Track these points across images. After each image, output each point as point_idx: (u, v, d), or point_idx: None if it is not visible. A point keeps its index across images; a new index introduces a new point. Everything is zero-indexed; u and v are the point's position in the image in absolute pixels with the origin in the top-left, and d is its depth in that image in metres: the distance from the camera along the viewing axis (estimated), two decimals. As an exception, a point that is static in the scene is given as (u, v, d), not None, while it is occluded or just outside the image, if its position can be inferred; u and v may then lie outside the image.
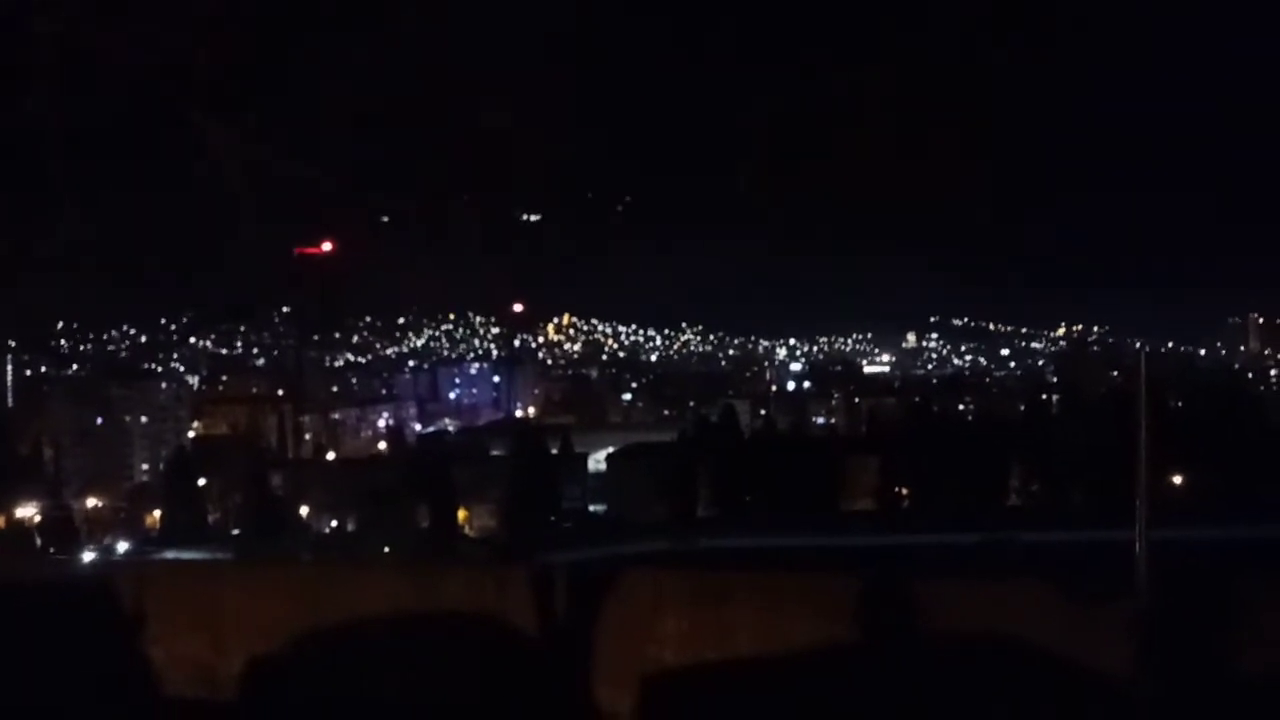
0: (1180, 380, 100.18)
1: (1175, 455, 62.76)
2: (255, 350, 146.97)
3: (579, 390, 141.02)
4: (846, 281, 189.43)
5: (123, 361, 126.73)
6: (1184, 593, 5.26)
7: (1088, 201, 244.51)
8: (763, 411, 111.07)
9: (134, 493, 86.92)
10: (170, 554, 62.41)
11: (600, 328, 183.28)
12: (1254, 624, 5.03)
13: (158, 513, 79.06)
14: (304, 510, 76.29)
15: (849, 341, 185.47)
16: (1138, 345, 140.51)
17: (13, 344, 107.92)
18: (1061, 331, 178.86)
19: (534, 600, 5.86)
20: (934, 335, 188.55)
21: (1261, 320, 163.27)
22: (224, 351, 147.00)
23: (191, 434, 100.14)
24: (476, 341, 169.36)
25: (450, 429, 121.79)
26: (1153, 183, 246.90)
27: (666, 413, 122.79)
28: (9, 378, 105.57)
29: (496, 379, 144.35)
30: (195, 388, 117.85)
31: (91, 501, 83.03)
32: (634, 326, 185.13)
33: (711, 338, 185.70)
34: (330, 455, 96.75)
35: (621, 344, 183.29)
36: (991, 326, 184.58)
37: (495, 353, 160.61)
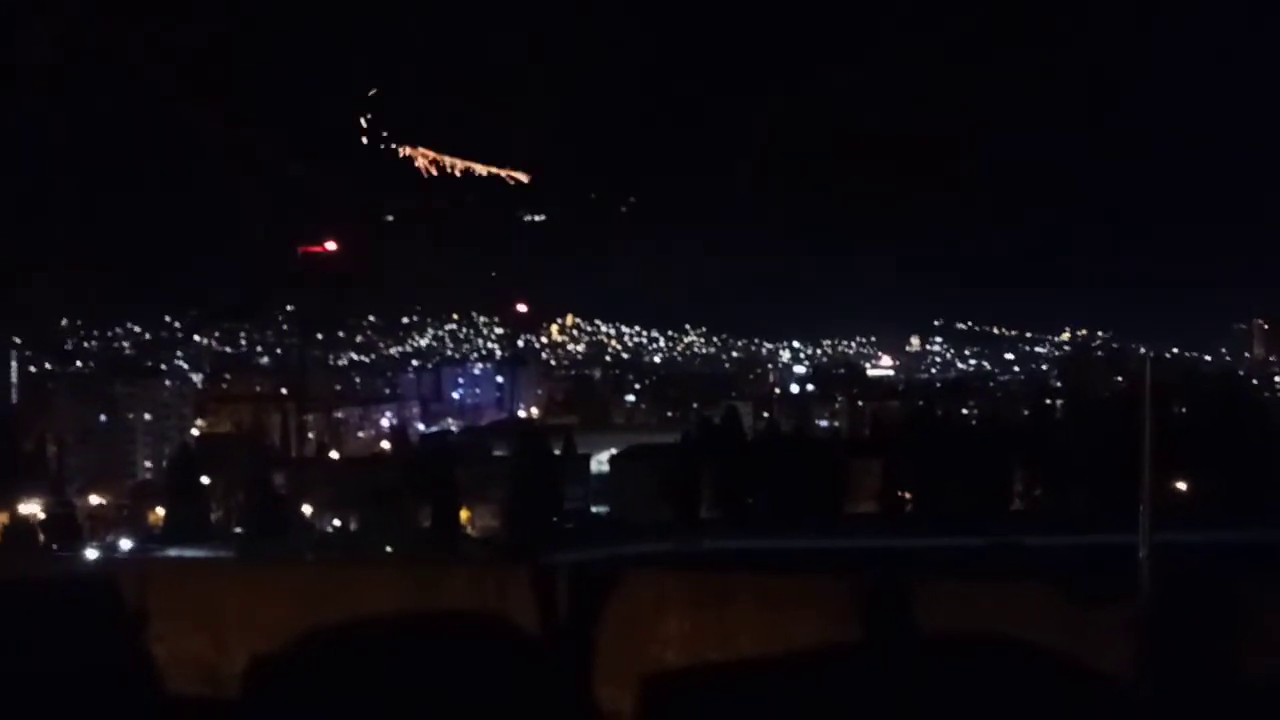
0: (1184, 385, 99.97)
1: (1179, 460, 62.71)
2: (259, 349, 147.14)
3: (582, 391, 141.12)
4: (850, 284, 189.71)
5: (127, 359, 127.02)
6: (1187, 596, 5.26)
7: (1092, 205, 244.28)
8: (766, 414, 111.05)
9: (137, 490, 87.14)
10: (173, 552, 62.57)
11: (604, 328, 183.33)
12: (1257, 628, 5.03)
13: (160, 510, 79.22)
14: (306, 509, 76.41)
15: (853, 344, 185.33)
16: (1142, 350, 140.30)
17: (17, 341, 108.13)
18: (1066, 335, 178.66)
19: (536, 600, 5.86)
20: (938, 338, 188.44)
21: (1266, 326, 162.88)
22: (228, 350, 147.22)
23: (195, 432, 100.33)
24: (480, 341, 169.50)
25: (453, 429, 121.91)
26: (1158, 186, 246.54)
27: (670, 414, 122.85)
28: (13, 375, 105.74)
29: (500, 379, 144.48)
30: (199, 386, 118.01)
31: (95, 499, 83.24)
32: (637, 327, 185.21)
33: (715, 339, 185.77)
34: (333, 454, 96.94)
35: (625, 345, 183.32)
36: (995, 330, 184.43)
37: (499, 353, 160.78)
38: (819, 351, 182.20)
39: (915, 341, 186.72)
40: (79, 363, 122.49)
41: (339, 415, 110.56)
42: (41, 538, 69.82)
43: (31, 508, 73.93)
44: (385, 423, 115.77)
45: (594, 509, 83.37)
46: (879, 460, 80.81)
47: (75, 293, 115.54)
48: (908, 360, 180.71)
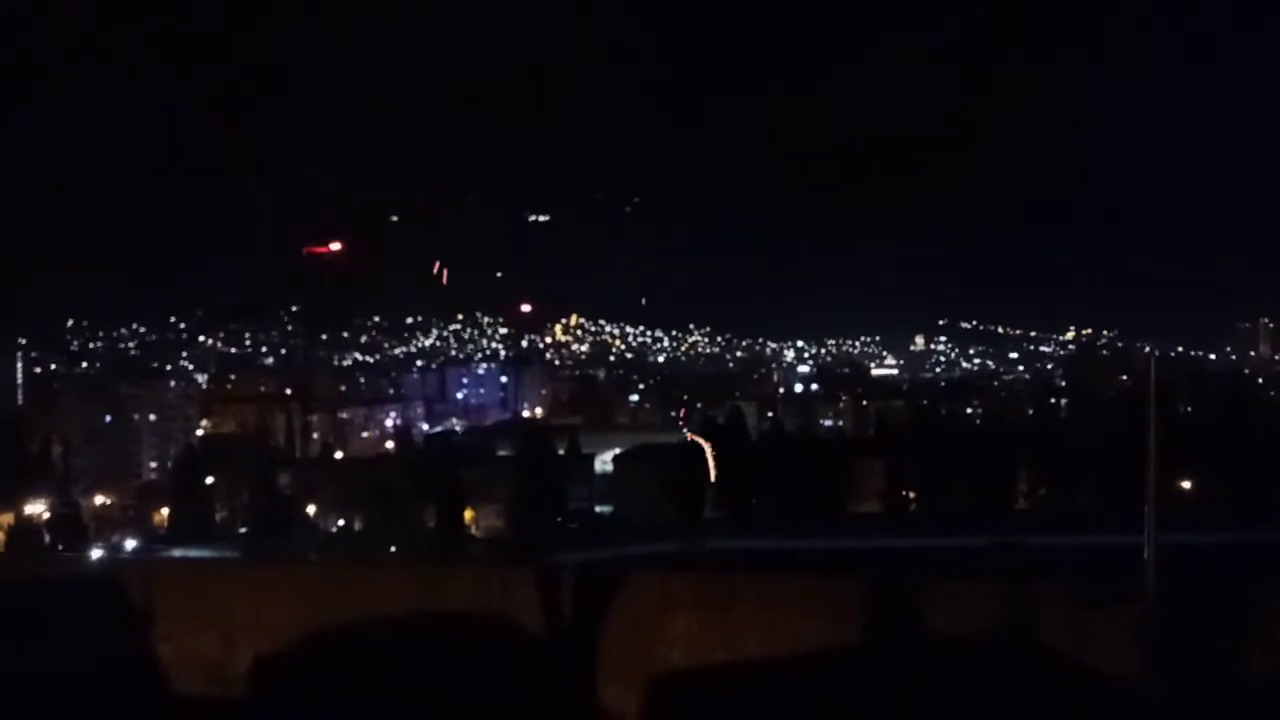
0: (1190, 384, 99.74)
1: (1184, 460, 62.52)
2: (264, 349, 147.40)
3: (586, 391, 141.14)
4: (855, 284, 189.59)
5: (132, 360, 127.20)
6: (1192, 597, 5.25)
7: (1097, 203, 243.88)
8: (770, 413, 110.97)
9: (142, 490, 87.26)
10: (178, 552, 62.59)
11: (608, 328, 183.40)
12: (1263, 628, 5.02)
13: (166, 511, 79.32)
14: (311, 509, 76.50)
15: (857, 344, 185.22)
16: (1147, 349, 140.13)
17: (23, 342, 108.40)
18: (1070, 335, 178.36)
19: (541, 601, 5.87)
20: (942, 338, 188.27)
21: (1272, 325, 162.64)
22: (233, 350, 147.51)
23: (200, 432, 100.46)
24: (484, 341, 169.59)
25: (457, 429, 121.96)
26: (1162, 185, 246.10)
27: (674, 414, 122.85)
28: (19, 376, 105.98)
29: (504, 379, 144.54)
30: (204, 386, 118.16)
31: (100, 499, 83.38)
32: (641, 327, 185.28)
33: (719, 339, 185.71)
34: (338, 454, 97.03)
35: (629, 345, 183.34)
36: (1000, 329, 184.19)
37: (503, 353, 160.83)
38: (823, 351, 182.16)
39: (920, 341, 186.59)
40: (84, 363, 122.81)
41: (344, 415, 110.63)
42: (47, 538, 69.94)
43: (37, 508, 74.05)
44: (390, 423, 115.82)
45: (598, 509, 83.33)
46: (883, 460, 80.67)
47: (81, 294, 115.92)
48: (912, 359, 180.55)
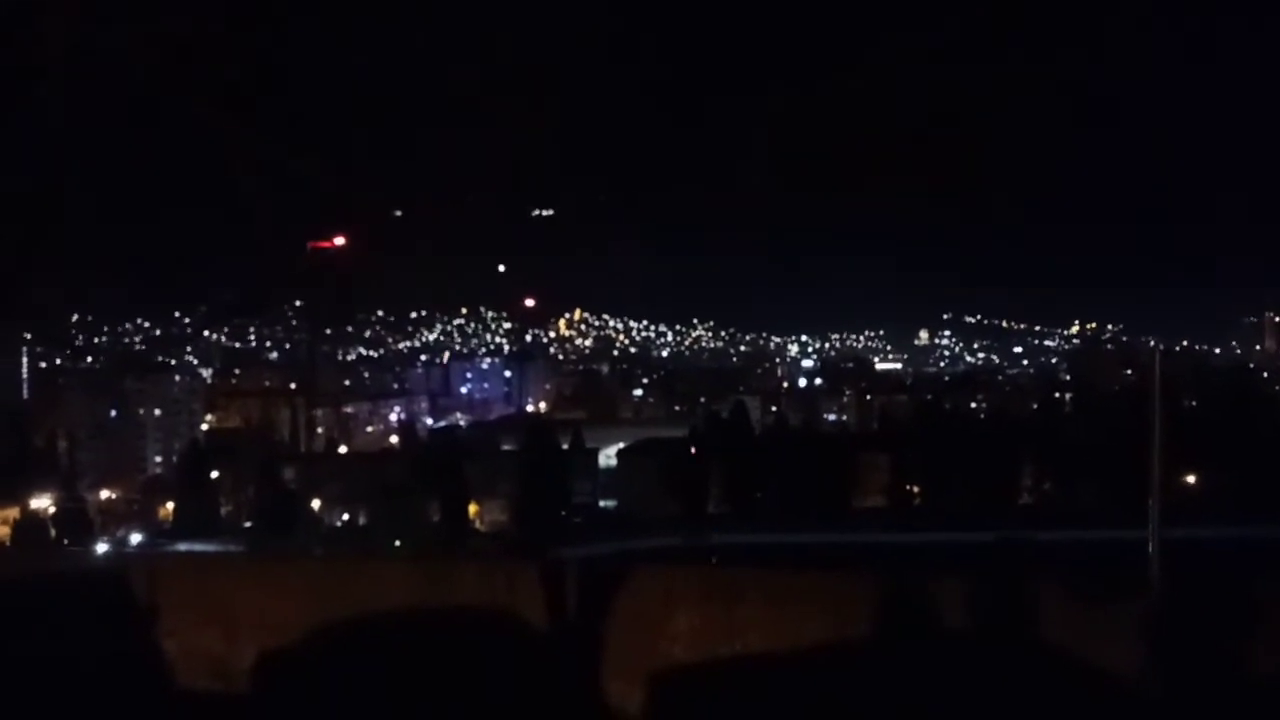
0: (1195, 379, 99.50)
1: (1189, 454, 62.35)
2: (268, 344, 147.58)
3: (590, 386, 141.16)
4: (859, 279, 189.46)
5: (137, 355, 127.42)
6: (1197, 592, 5.24)
7: (1102, 199, 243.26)
8: (774, 408, 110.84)
9: (147, 485, 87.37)
10: (183, 546, 62.71)
11: (612, 323, 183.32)
12: (1267, 624, 5.01)
13: (171, 505, 79.48)
14: (315, 504, 76.55)
15: (861, 338, 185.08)
16: (1152, 343, 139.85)
17: (28, 337, 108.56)
18: (1075, 329, 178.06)
19: (545, 595, 5.87)
20: (946, 332, 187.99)
21: (1277, 319, 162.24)
22: (237, 345, 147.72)
23: (204, 427, 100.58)
24: (488, 336, 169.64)
25: (461, 423, 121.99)
26: (1167, 180, 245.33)
27: (677, 408, 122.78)
28: (24, 370, 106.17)
29: (508, 374, 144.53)
30: (208, 381, 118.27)
31: (105, 494, 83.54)
32: (645, 322, 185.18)
33: (723, 334, 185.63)
34: (342, 449, 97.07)
35: (633, 340, 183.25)
36: (1004, 324, 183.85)
37: (507, 348, 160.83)
38: (827, 346, 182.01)
39: (924, 335, 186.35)
40: (89, 358, 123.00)
41: (348, 410, 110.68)
42: (53, 532, 70.11)
43: (43, 503, 74.24)
44: (394, 418, 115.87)
45: (602, 504, 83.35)
46: (887, 455, 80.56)
47: (85, 289, 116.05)
48: (916, 354, 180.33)
